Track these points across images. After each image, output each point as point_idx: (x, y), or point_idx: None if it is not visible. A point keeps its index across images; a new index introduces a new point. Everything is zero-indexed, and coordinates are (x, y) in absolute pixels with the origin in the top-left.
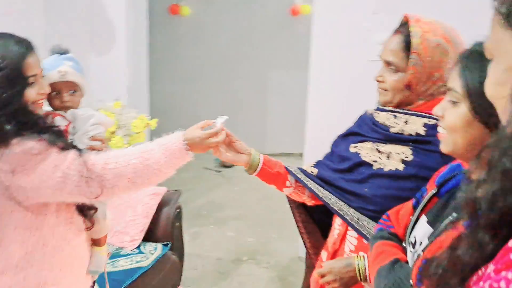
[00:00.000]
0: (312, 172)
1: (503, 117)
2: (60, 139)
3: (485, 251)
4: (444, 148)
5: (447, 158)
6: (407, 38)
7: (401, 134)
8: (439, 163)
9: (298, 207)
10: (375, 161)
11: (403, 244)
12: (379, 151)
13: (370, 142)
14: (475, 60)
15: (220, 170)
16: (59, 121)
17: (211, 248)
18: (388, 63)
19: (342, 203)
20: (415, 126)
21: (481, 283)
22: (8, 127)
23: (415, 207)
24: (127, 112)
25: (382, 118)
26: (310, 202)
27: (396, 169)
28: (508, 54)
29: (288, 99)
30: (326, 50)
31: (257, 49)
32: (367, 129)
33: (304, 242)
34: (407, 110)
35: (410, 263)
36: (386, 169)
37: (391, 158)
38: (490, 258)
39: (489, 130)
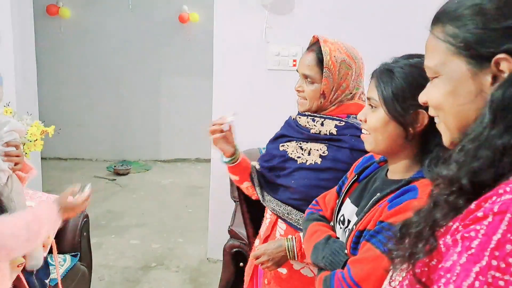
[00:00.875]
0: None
1: (454, 119)
2: None
3: (457, 212)
4: (368, 146)
5: (355, 153)
6: (319, 55)
7: (319, 134)
8: (348, 157)
9: (245, 199)
10: (299, 157)
11: (331, 223)
12: (301, 148)
13: (295, 141)
14: (387, 76)
15: (115, 178)
16: None
17: (116, 257)
18: (305, 76)
19: (274, 200)
20: (329, 127)
21: (448, 236)
22: None
23: (338, 193)
24: (20, 118)
25: (303, 121)
26: (254, 197)
27: (315, 162)
28: (456, 74)
29: (179, 105)
30: (227, 59)
31: (146, 55)
32: (292, 131)
33: (246, 232)
34: (322, 114)
35: (342, 238)
36: (307, 163)
37: (312, 154)
38: (454, 217)
39: (402, 128)
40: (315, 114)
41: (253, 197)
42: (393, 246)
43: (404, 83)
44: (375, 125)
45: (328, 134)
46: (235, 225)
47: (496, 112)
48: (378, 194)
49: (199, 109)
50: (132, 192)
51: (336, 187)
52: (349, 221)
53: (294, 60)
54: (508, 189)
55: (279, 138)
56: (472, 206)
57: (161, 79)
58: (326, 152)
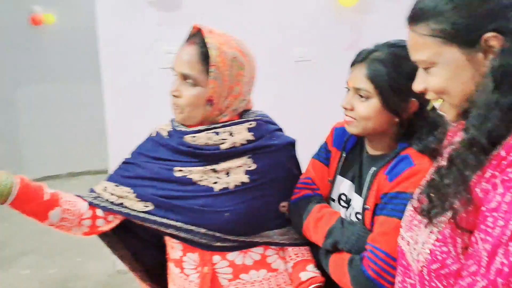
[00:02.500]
0: (144, 207)
1: (459, 97)
2: None
3: (481, 165)
4: (353, 130)
5: (290, 150)
6: (203, 49)
7: (235, 147)
8: (285, 157)
9: (124, 257)
10: (215, 183)
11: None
12: (215, 171)
13: (199, 166)
14: (379, 66)
15: None
16: None
17: None
18: (184, 76)
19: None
20: (242, 135)
21: (483, 183)
22: None
23: (326, 165)
24: None
25: (203, 139)
26: (106, 227)
27: (242, 182)
28: (452, 61)
29: (43, 115)
30: (116, 62)
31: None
32: (178, 157)
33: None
34: (223, 123)
35: (344, 216)
36: (231, 186)
37: (232, 173)
38: (478, 169)
39: (395, 116)
40: (215, 125)
41: (105, 228)
42: (426, 206)
43: (398, 74)
44: (367, 115)
45: (246, 143)
46: None
47: (497, 78)
48: (374, 168)
49: (65, 118)
50: (5, 220)
51: (317, 159)
52: (350, 199)
53: None
54: None
55: (156, 162)
56: (503, 153)
57: (17, 89)
58: (253, 166)
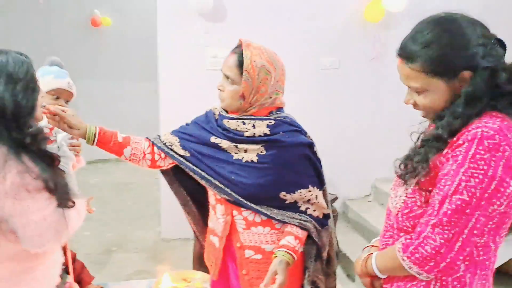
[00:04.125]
0: (184, 154)
1: (437, 110)
2: (50, 173)
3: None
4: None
5: (295, 149)
6: (240, 57)
7: (253, 136)
8: (281, 151)
9: (177, 193)
10: (236, 153)
11: None
12: (237, 147)
13: (226, 141)
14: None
15: None
16: (45, 123)
17: (73, 248)
18: (226, 76)
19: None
20: (261, 128)
21: (442, 158)
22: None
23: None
24: None
25: (233, 125)
26: (165, 166)
27: (251, 160)
28: (438, 88)
29: (96, 107)
30: (171, 63)
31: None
32: (216, 131)
33: (188, 222)
34: (250, 116)
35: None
36: (244, 160)
37: (249, 152)
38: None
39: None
40: (243, 117)
41: (163, 166)
42: (403, 172)
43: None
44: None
45: (263, 135)
46: None
47: (467, 99)
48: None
49: (116, 110)
50: None
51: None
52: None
53: None
54: (474, 126)
55: (203, 130)
56: (455, 139)
57: (76, 82)
58: (264, 151)
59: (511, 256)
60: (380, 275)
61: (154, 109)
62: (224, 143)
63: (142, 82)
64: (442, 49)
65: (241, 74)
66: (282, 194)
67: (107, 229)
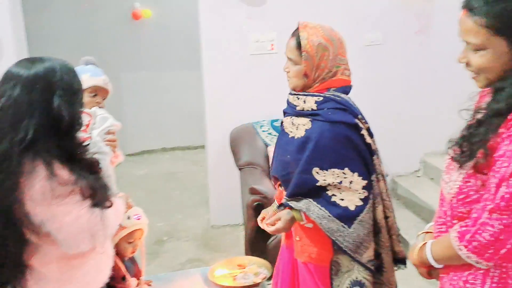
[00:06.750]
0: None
1: (495, 74)
2: (89, 179)
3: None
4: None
5: (330, 125)
6: (298, 39)
7: (303, 110)
8: (325, 127)
9: None
10: (291, 131)
11: None
12: (293, 124)
13: (290, 117)
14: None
15: None
16: (84, 117)
17: None
18: (290, 59)
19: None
20: (310, 103)
21: (498, 139)
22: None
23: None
24: None
25: (291, 99)
26: None
27: (300, 136)
28: (498, 48)
29: (142, 98)
30: (215, 50)
31: (103, 54)
32: (288, 107)
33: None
34: (306, 92)
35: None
36: (296, 137)
37: (299, 129)
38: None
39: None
40: (299, 93)
41: None
42: (458, 155)
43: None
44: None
45: (310, 110)
46: (254, 184)
47: None
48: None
49: (160, 100)
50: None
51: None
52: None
53: (272, 44)
54: None
55: (284, 114)
56: (510, 117)
57: (120, 75)
58: (310, 126)
59: None
60: (436, 265)
61: (200, 98)
62: (285, 120)
63: (186, 71)
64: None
65: (301, 54)
66: (315, 171)
67: (157, 219)
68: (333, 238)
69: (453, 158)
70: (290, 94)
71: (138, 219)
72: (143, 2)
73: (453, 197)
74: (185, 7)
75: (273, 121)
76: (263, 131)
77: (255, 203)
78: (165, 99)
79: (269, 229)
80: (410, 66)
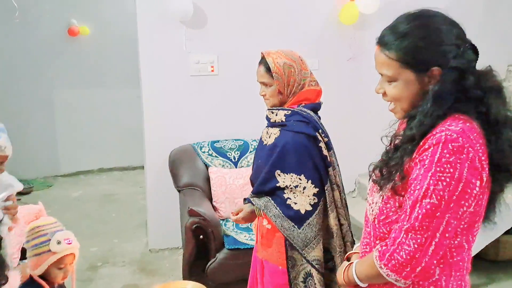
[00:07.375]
0: None
1: (407, 104)
2: None
3: (412, 152)
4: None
5: (295, 135)
6: (266, 65)
7: (275, 122)
8: (289, 137)
9: None
10: (265, 140)
11: None
12: (267, 133)
13: (266, 128)
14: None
15: (19, 198)
16: None
17: None
18: (263, 83)
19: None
20: (280, 116)
21: (411, 163)
22: None
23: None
24: None
25: (268, 114)
26: None
27: (271, 143)
28: (408, 80)
29: (77, 116)
30: (154, 69)
31: (37, 69)
32: (267, 121)
33: None
34: (278, 108)
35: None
36: (267, 144)
37: (271, 137)
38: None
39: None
40: (273, 108)
41: None
42: (378, 178)
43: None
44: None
45: (280, 121)
46: (193, 205)
47: (435, 97)
48: None
49: (98, 119)
50: (46, 208)
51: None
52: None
53: (212, 66)
54: (438, 131)
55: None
56: (421, 143)
57: (55, 92)
58: (278, 134)
59: (488, 243)
60: (361, 285)
61: (139, 117)
62: (263, 131)
63: (125, 90)
64: (416, 41)
65: (272, 76)
66: (277, 173)
67: (91, 243)
68: (285, 235)
69: (374, 181)
70: (267, 110)
71: (69, 243)
72: (80, 19)
73: (374, 218)
74: (124, 24)
75: (213, 142)
76: (203, 152)
77: (194, 225)
78: (102, 117)
79: (232, 217)
80: (343, 91)
